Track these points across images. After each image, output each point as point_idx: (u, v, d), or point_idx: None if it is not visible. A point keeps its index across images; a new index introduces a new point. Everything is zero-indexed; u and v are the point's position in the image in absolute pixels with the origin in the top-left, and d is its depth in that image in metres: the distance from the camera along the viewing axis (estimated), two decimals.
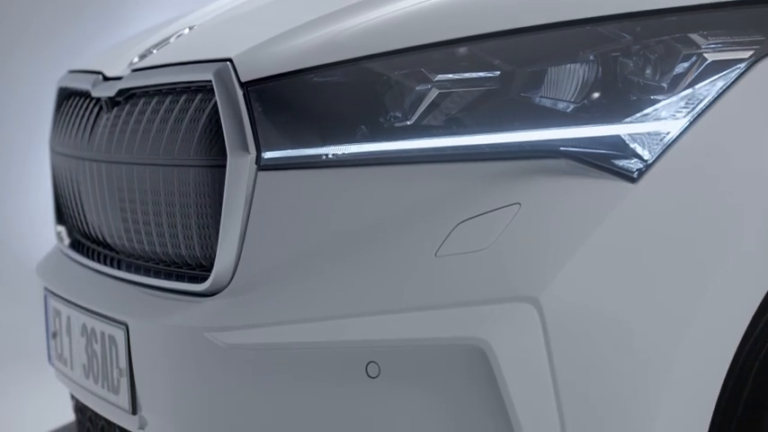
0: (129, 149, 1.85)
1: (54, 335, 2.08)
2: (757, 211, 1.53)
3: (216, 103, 1.65)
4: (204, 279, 1.67)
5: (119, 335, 1.77)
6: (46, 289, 2.12)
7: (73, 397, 2.31)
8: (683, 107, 1.53)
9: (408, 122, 1.57)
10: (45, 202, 3.45)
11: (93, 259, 2.04)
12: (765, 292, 1.54)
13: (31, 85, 5.87)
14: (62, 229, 2.27)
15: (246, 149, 1.60)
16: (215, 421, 1.62)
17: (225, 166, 1.62)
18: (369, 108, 1.58)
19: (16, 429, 3.35)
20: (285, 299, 1.57)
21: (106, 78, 2.01)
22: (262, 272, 1.61)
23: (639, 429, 1.49)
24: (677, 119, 1.52)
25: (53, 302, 2.07)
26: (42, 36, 5.94)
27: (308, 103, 1.61)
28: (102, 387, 1.86)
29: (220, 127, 1.63)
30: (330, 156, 1.59)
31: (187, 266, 1.77)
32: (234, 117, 1.62)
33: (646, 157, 1.51)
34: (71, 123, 2.13)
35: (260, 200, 1.61)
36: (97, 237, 2.05)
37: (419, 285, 1.50)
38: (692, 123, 1.52)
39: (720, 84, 1.54)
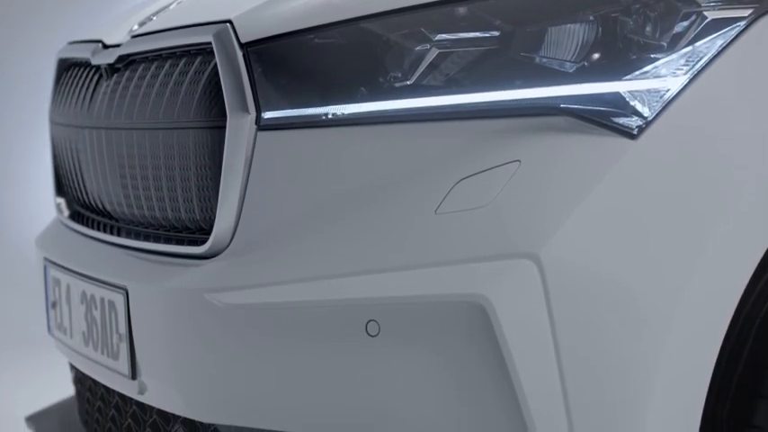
0: (128, 115, 1.85)
1: (53, 304, 2.08)
2: (757, 168, 1.53)
3: (215, 65, 1.65)
4: (204, 242, 1.67)
5: (118, 300, 1.77)
6: (45, 259, 2.12)
7: (72, 368, 2.31)
8: (683, 65, 1.53)
9: (408, 82, 1.57)
10: (45, 198, 3.46)
11: (92, 228, 2.04)
12: (765, 251, 1.54)
13: (29, 86, 5.89)
14: (61, 200, 2.27)
15: (246, 110, 1.60)
16: (215, 383, 1.62)
17: (225, 128, 1.62)
18: (368, 68, 1.58)
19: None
20: (285, 258, 1.57)
21: (106, 46, 2.01)
22: (261, 232, 1.61)
23: (639, 388, 1.49)
24: (677, 76, 1.52)
25: (53, 272, 2.07)
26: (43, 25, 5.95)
27: (307, 63, 1.61)
28: (102, 353, 1.86)
29: (220, 89, 1.63)
30: (330, 115, 1.59)
31: (187, 231, 1.77)
32: (234, 78, 1.62)
33: (645, 114, 1.51)
34: (71, 93, 2.12)
35: (259, 160, 1.61)
36: (97, 206, 2.05)
37: (419, 243, 1.50)
38: (691, 81, 1.53)
39: (720, 42, 1.54)
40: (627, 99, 1.51)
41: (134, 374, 1.76)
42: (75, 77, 2.14)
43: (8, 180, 6.12)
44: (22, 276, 4.88)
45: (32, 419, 2.39)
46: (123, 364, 1.78)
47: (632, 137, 1.50)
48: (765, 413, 1.55)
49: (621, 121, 1.51)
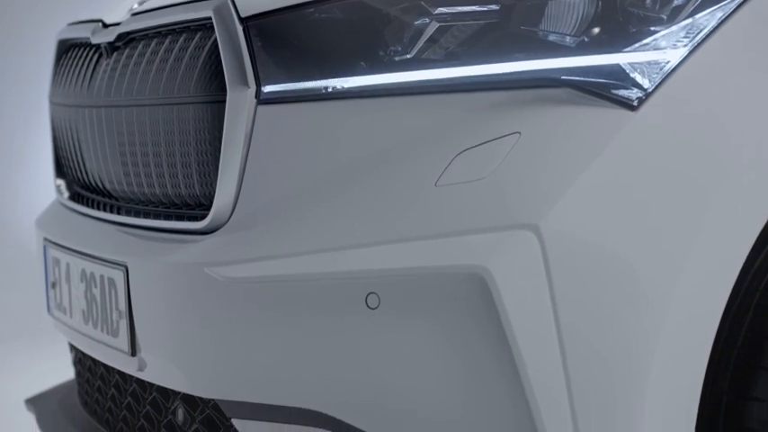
0: (128, 92, 1.85)
1: (53, 284, 2.08)
2: (756, 141, 1.53)
3: (215, 40, 1.65)
4: (204, 218, 1.67)
5: (118, 277, 1.77)
6: (45, 239, 2.12)
7: (72, 349, 2.31)
8: (683, 37, 1.53)
9: (408, 56, 1.57)
10: (45, 192, 3.47)
11: (92, 207, 2.04)
12: (764, 224, 1.54)
13: (28, 85, 5.90)
14: (61, 182, 2.27)
15: (246, 84, 1.60)
16: (215, 358, 1.62)
17: (224, 102, 1.62)
18: (368, 41, 1.58)
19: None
20: (285, 232, 1.56)
21: (106, 26, 2.01)
22: (261, 206, 1.61)
23: (639, 360, 1.49)
24: (677, 48, 1.52)
25: (52, 252, 2.07)
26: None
27: (307, 37, 1.61)
28: (102, 331, 1.86)
29: (220, 63, 1.63)
30: (329, 89, 1.59)
31: (187, 207, 1.77)
32: (233, 52, 1.62)
33: (645, 86, 1.51)
34: (71, 73, 2.12)
35: (259, 134, 1.61)
36: (96, 185, 2.05)
37: (419, 215, 1.50)
38: (691, 53, 1.52)
39: (719, 14, 1.54)
40: (627, 71, 1.51)
41: (134, 351, 1.76)
42: (74, 58, 2.14)
43: (8, 179, 6.14)
44: (23, 270, 4.91)
45: (32, 402, 2.38)
46: (123, 341, 1.78)
47: (632, 108, 1.50)
48: (766, 385, 1.55)
49: (621, 92, 1.51)
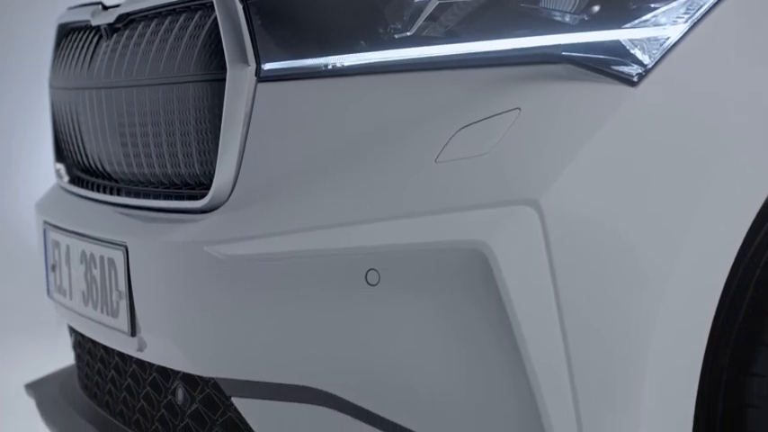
0: (128, 73, 1.85)
1: (53, 267, 2.08)
2: (756, 116, 1.53)
3: (215, 18, 1.65)
4: (204, 197, 1.67)
5: (118, 257, 1.77)
6: (45, 222, 2.12)
7: (72, 332, 2.31)
8: (683, 13, 1.53)
9: (408, 33, 1.57)
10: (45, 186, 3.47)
11: (92, 190, 2.04)
12: (763, 201, 1.54)
13: (27, 87, 5.91)
14: (61, 166, 2.27)
15: (246, 61, 1.60)
16: (215, 336, 1.62)
17: (224, 80, 1.62)
18: (369, 18, 1.58)
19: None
20: (285, 209, 1.56)
21: (105, 8, 2.01)
22: (261, 184, 1.60)
23: (639, 336, 1.49)
24: (676, 24, 1.52)
25: (52, 234, 2.07)
26: None
27: (307, 14, 1.61)
28: (102, 312, 1.85)
29: (220, 42, 1.63)
30: (329, 66, 1.59)
31: (187, 187, 1.77)
32: (233, 30, 1.61)
33: (645, 62, 1.51)
34: (71, 56, 2.13)
35: (259, 112, 1.61)
36: (96, 168, 2.05)
37: (419, 191, 1.50)
38: (691, 29, 1.52)
39: None
40: (627, 47, 1.51)
41: (133, 331, 1.76)
42: (74, 41, 2.14)
43: (8, 176, 6.14)
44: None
45: (32, 387, 2.38)
46: (123, 321, 1.78)
47: (632, 84, 1.50)
48: (766, 361, 1.55)
49: (621, 68, 1.51)
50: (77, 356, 2.30)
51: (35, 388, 2.38)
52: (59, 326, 2.54)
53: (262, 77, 1.60)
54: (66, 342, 2.46)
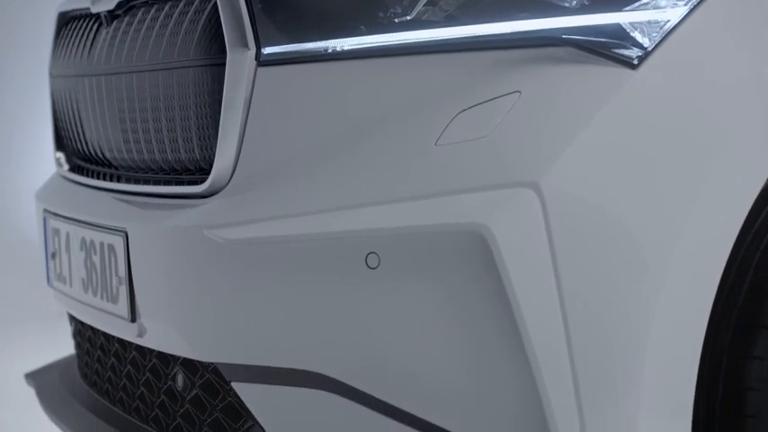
0: (128, 58, 1.85)
1: (53, 255, 2.07)
2: (756, 100, 1.53)
3: (215, 3, 1.65)
4: (204, 182, 1.67)
5: (118, 243, 1.77)
6: (45, 210, 2.12)
7: (72, 321, 2.31)
8: None
9: (409, 16, 1.57)
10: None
11: (92, 177, 2.04)
12: (763, 184, 1.54)
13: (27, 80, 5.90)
14: (61, 155, 2.26)
15: (246, 45, 1.60)
16: (215, 321, 1.61)
17: (224, 65, 1.62)
18: (369, 2, 1.58)
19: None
20: (285, 193, 1.56)
21: None
22: (261, 168, 1.60)
23: (639, 321, 1.49)
24: (677, 7, 1.52)
25: (52, 222, 2.07)
26: None
27: None
28: (101, 298, 1.85)
29: (220, 26, 1.63)
30: (330, 50, 1.59)
31: (187, 172, 1.76)
32: (233, 14, 1.61)
33: (645, 45, 1.51)
34: (71, 44, 2.12)
35: (259, 96, 1.60)
36: (96, 155, 2.04)
37: (419, 174, 1.50)
38: (691, 12, 1.53)
39: None
40: (627, 30, 1.52)
41: (133, 317, 1.76)
42: (74, 29, 2.14)
43: (8, 173, 6.14)
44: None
45: (32, 376, 2.38)
46: (122, 307, 1.78)
47: (632, 67, 1.50)
48: (766, 343, 1.55)
49: (621, 51, 1.51)
50: (77, 345, 2.30)
51: (35, 377, 2.38)
52: (59, 318, 2.54)
53: (262, 61, 1.60)
54: (66, 334, 2.46)
